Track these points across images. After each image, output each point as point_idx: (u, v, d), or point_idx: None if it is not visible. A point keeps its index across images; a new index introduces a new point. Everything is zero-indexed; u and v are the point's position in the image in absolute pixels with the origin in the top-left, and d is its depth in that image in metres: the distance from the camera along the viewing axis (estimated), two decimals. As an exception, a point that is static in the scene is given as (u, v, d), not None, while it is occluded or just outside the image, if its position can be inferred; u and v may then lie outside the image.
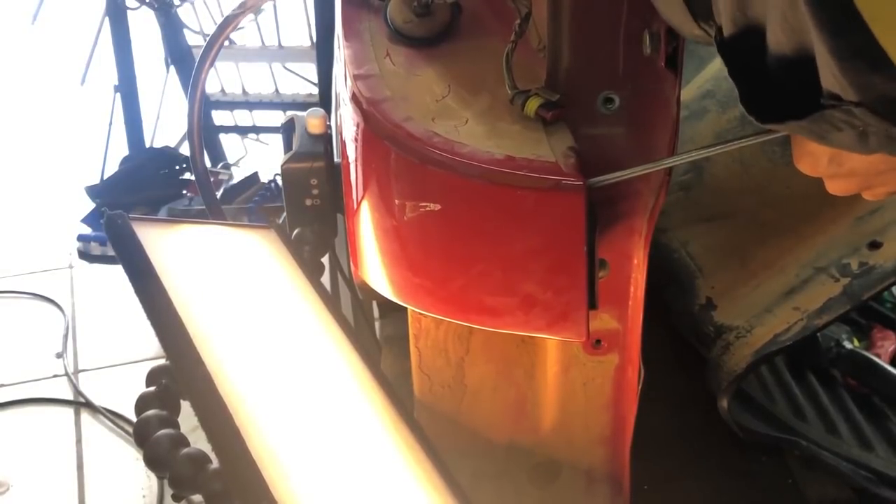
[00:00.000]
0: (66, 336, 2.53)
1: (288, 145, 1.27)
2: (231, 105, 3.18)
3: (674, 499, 1.37)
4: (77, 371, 2.41)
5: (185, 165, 2.94)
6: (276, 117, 3.14)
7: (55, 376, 2.39)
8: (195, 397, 0.88)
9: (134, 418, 0.90)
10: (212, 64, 1.52)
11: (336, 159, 1.23)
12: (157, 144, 3.06)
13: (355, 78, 0.94)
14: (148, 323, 0.94)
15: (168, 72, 3.00)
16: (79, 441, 2.18)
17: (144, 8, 2.78)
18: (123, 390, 2.27)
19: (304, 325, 1.11)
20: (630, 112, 0.89)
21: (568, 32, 0.86)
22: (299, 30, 3.03)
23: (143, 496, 2.01)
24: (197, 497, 0.85)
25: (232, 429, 0.83)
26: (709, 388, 1.36)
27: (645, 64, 0.86)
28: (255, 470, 0.80)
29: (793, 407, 1.47)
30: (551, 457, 1.12)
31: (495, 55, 0.90)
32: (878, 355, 1.57)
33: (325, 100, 2.51)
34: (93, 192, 2.92)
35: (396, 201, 0.88)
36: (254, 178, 2.92)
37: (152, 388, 0.94)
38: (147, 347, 2.37)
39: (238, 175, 3.00)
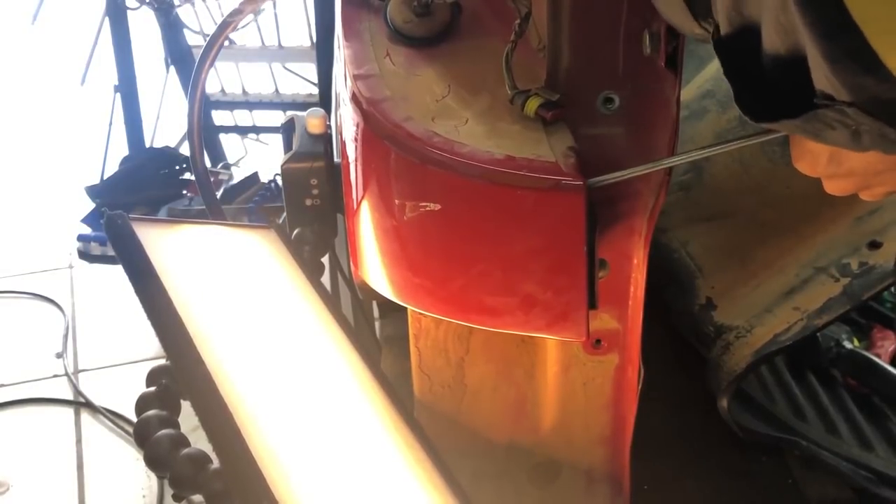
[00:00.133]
0: (66, 336, 2.53)
1: (288, 145, 1.27)
2: (231, 105, 3.17)
3: (674, 499, 1.37)
4: (77, 371, 2.40)
5: (185, 165, 2.94)
6: (276, 117, 3.14)
7: (55, 376, 2.38)
8: (195, 397, 0.88)
9: (134, 418, 0.91)
10: (212, 64, 1.52)
11: (336, 159, 1.23)
12: (157, 144, 3.05)
13: (355, 78, 0.94)
14: (148, 323, 0.94)
15: (168, 72, 2.99)
16: (79, 441, 2.17)
17: (144, 8, 2.78)
18: (123, 390, 2.27)
19: (304, 325, 1.11)
20: (630, 112, 0.89)
21: (568, 32, 0.86)
22: (299, 30, 3.03)
23: (144, 496, 2.01)
24: (197, 497, 0.85)
25: (232, 429, 0.83)
26: (709, 388, 1.36)
27: (645, 64, 0.86)
28: (256, 470, 0.80)
29: (793, 407, 1.47)
30: (551, 457, 1.12)
31: (495, 55, 0.90)
32: (878, 355, 1.57)
33: (325, 100, 2.51)
34: (93, 192, 2.92)
35: (396, 201, 0.88)
36: (254, 178, 2.91)
37: (152, 388, 0.94)
38: (147, 347, 2.37)
39: (238, 175, 2.99)
